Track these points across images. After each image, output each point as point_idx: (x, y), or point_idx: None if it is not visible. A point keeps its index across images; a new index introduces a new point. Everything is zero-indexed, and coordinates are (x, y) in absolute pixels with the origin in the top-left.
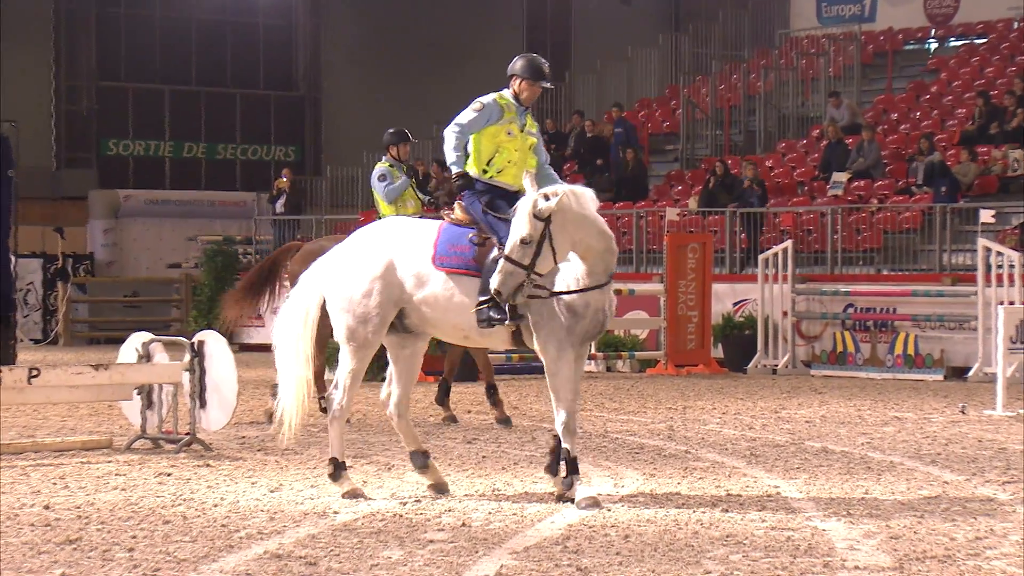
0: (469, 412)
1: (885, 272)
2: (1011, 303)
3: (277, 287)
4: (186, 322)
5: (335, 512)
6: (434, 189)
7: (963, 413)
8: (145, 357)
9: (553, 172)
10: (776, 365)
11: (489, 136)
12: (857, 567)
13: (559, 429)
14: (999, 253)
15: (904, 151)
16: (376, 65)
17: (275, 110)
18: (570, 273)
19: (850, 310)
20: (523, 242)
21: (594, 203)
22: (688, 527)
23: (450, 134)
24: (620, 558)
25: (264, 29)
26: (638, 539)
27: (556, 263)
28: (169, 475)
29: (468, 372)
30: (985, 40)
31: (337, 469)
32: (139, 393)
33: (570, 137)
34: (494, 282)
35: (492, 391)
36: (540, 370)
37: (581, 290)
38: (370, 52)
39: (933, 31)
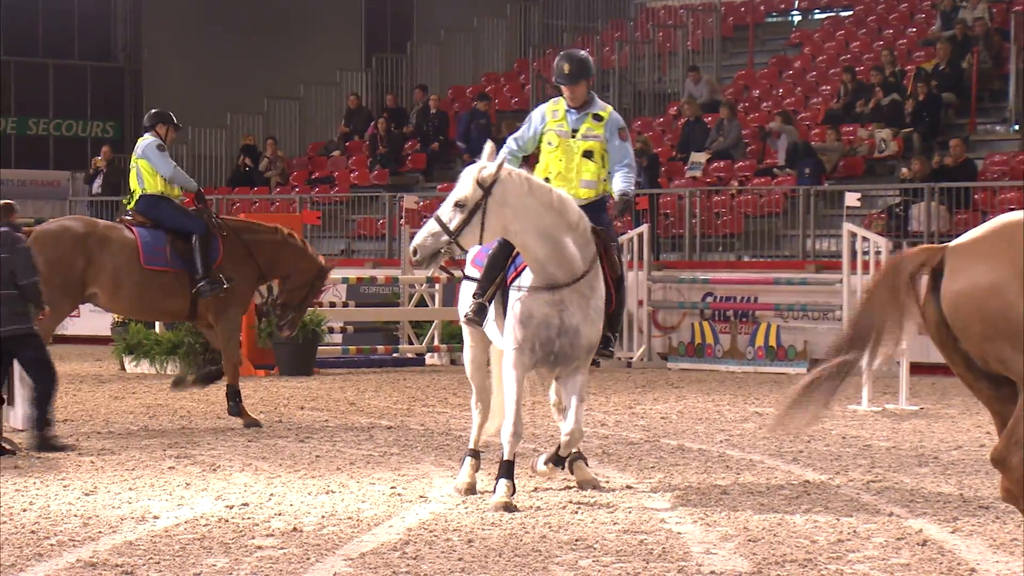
0: (302, 409)
1: (746, 259)
2: None
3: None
4: None
5: (155, 517)
6: (266, 168)
7: None
8: None
9: (622, 176)
10: (631, 358)
11: (541, 147)
12: (713, 572)
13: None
14: (865, 239)
15: (767, 130)
16: (202, 35)
17: (92, 82)
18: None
19: (709, 299)
20: (457, 205)
21: (556, 202)
22: (535, 530)
23: (504, 147)
24: (463, 564)
25: None
26: (482, 544)
27: (480, 241)
28: None
29: (301, 366)
30: (851, 13)
31: None
32: None
33: (412, 114)
34: (416, 239)
35: (235, 396)
36: (378, 364)
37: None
38: (195, 21)
39: (797, 3)
